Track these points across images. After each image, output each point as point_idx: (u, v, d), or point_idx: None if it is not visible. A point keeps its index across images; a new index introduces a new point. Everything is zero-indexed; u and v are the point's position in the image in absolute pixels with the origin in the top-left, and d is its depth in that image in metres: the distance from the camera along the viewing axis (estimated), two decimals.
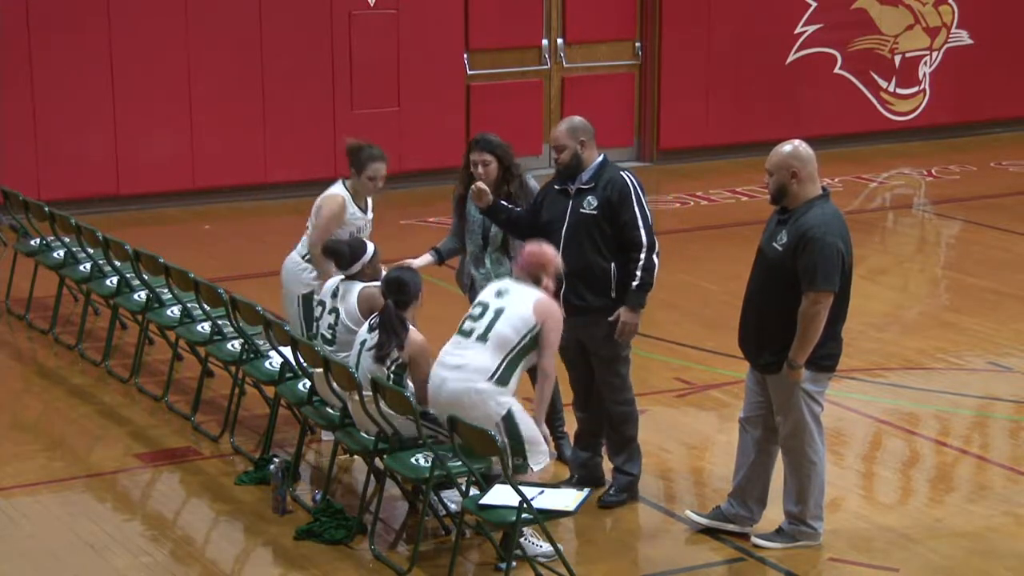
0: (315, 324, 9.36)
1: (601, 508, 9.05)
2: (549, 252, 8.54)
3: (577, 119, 9.11)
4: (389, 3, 16.80)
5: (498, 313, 8.35)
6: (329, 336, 9.21)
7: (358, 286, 9.17)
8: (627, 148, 18.12)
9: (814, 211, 8.28)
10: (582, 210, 8.89)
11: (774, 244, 8.35)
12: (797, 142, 8.44)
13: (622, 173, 9.02)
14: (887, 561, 8.54)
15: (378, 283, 9.01)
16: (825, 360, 8.42)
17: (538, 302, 8.36)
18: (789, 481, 8.62)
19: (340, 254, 9.26)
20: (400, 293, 8.69)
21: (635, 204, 8.90)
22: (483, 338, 8.32)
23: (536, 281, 8.46)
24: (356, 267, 9.22)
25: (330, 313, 9.23)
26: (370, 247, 9.30)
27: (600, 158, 9.06)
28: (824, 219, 8.27)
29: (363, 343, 8.73)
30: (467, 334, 8.39)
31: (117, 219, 15.22)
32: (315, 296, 9.74)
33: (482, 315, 8.40)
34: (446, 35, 17.13)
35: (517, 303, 8.36)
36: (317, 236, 9.93)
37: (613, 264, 8.88)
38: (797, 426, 8.46)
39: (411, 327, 8.69)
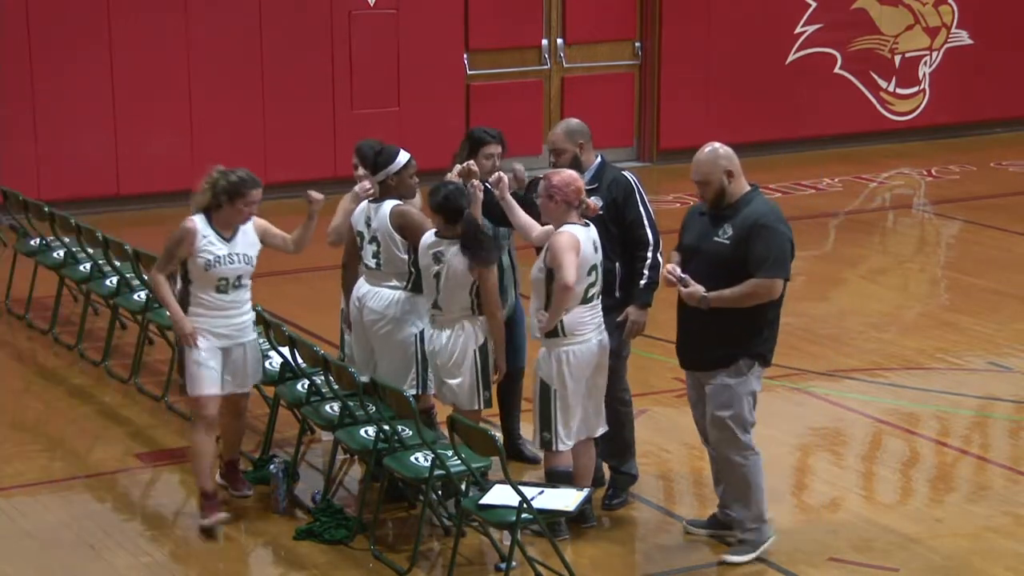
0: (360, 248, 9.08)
1: (602, 509, 9.04)
2: (573, 174, 8.54)
3: (573, 121, 9.10)
4: (389, 3, 16.81)
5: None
6: (374, 264, 9.00)
7: (388, 204, 8.93)
8: (627, 148, 18.12)
9: (757, 202, 8.35)
10: None
11: (716, 239, 8.33)
12: (716, 144, 8.49)
13: (623, 173, 9.02)
14: (887, 561, 8.53)
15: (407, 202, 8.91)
16: (769, 353, 8.39)
17: None
18: (727, 486, 8.55)
19: (364, 156, 8.95)
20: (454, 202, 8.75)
21: (639, 203, 8.92)
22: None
23: (582, 207, 8.47)
24: (380, 175, 8.93)
25: (371, 243, 8.99)
26: (402, 156, 9.00)
27: (598, 159, 9.05)
28: (771, 209, 8.35)
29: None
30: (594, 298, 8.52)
31: (117, 219, 15.22)
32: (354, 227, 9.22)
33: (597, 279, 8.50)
34: (446, 35, 17.14)
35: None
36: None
37: (617, 264, 8.87)
38: (726, 429, 8.37)
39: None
